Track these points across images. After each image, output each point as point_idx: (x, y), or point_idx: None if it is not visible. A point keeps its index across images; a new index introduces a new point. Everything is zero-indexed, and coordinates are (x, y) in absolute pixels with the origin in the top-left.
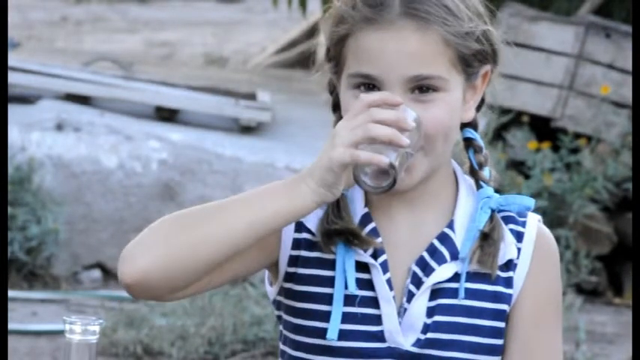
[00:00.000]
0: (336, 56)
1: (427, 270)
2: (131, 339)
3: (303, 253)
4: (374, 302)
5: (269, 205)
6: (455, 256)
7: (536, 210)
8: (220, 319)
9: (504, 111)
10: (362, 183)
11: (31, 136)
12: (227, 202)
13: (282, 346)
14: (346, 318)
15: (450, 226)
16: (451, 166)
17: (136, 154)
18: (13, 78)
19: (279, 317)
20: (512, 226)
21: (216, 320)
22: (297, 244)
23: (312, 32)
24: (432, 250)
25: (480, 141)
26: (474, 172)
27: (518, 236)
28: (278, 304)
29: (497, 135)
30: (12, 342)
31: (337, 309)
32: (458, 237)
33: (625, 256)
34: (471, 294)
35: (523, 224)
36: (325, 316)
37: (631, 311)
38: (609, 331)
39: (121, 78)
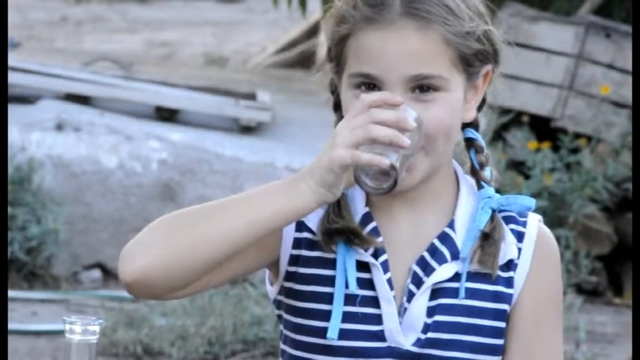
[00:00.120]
0: (337, 56)
1: (428, 270)
2: (131, 339)
3: (304, 252)
4: (374, 302)
5: (269, 204)
6: (455, 255)
7: (537, 210)
8: (220, 319)
9: (504, 111)
10: (363, 184)
11: (31, 136)
12: (227, 202)
13: (282, 346)
14: (346, 317)
15: (451, 225)
16: (452, 165)
17: (136, 154)
18: (13, 78)
19: (279, 316)
20: (512, 226)
21: (216, 320)
22: (297, 243)
23: (312, 32)
24: (433, 250)
25: (482, 141)
26: (475, 172)
27: (519, 236)
28: (278, 304)
29: (498, 135)
30: (12, 342)
31: (338, 308)
32: (458, 237)
33: (625, 256)
34: (471, 294)
35: (524, 224)
36: (326, 316)
37: (631, 311)
38: (609, 331)
39: (121, 78)
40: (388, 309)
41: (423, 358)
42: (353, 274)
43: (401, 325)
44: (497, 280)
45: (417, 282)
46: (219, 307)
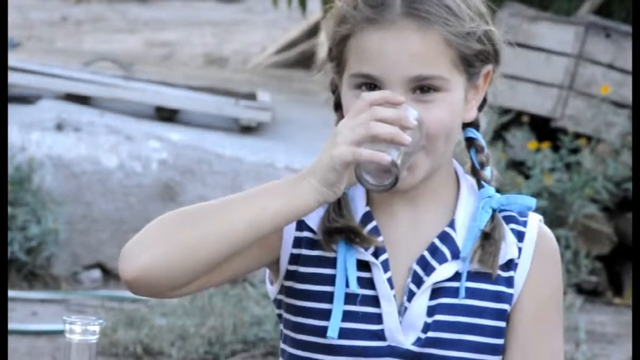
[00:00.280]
0: (338, 56)
1: (428, 269)
2: (131, 339)
3: (304, 251)
4: (374, 301)
5: (269, 204)
6: (456, 255)
7: (537, 210)
8: (220, 319)
9: (504, 111)
10: (364, 181)
11: (31, 136)
12: (227, 201)
13: (282, 345)
14: (347, 316)
15: (451, 225)
16: (452, 165)
17: (136, 154)
18: (13, 78)
19: (279, 316)
20: (513, 225)
21: (216, 320)
22: (298, 242)
23: (312, 32)
24: (433, 249)
25: (482, 141)
26: (475, 172)
27: (519, 236)
28: (279, 303)
29: (498, 135)
30: (12, 342)
31: (338, 307)
32: (459, 236)
33: (625, 256)
34: (471, 293)
35: (524, 224)
36: (326, 315)
37: (631, 311)
38: (609, 331)
39: (121, 78)
40: (388, 308)
41: (423, 357)
42: (353, 273)
43: (401, 324)
44: (498, 280)
45: (418, 281)
46: (219, 307)
